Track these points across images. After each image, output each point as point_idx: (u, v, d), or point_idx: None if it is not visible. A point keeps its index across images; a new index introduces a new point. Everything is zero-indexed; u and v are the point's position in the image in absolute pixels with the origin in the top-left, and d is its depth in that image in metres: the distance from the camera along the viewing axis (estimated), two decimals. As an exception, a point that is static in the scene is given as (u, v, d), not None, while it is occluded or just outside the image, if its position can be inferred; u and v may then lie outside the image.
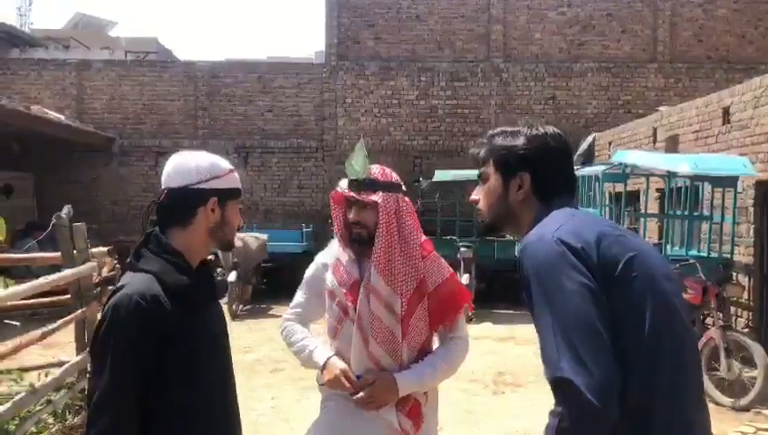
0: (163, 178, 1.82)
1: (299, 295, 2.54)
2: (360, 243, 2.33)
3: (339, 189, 2.36)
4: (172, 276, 1.71)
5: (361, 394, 2.22)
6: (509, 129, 1.72)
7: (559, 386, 1.37)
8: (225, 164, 1.86)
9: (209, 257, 2.01)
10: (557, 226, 1.50)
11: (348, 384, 2.25)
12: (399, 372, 2.26)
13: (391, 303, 2.26)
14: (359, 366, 2.29)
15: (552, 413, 1.41)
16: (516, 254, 1.65)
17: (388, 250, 2.26)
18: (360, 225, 2.31)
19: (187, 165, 1.80)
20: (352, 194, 2.30)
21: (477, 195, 1.74)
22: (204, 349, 1.76)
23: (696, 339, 1.72)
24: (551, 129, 1.68)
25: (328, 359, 2.32)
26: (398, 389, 2.23)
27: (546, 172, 1.63)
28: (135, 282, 1.70)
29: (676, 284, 1.57)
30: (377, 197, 2.27)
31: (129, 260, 1.78)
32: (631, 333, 1.40)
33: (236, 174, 1.89)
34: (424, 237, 2.40)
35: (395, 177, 2.37)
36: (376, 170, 2.33)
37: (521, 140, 1.65)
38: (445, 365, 2.33)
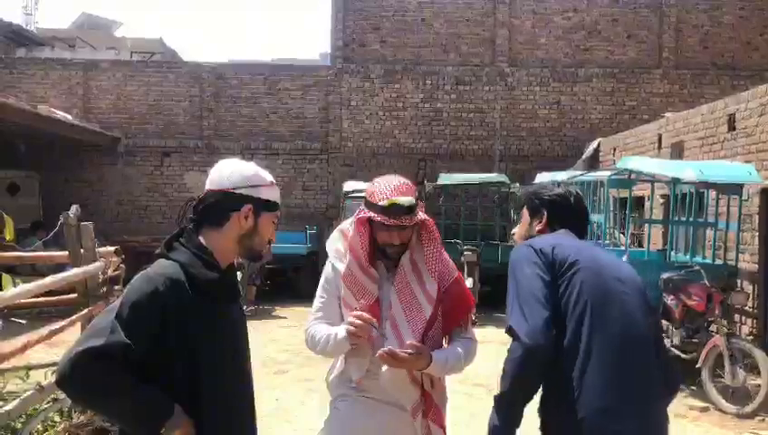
0: (207, 180, 1.89)
1: (318, 300, 2.47)
2: (393, 259, 2.36)
3: (379, 219, 2.27)
4: (198, 269, 1.78)
5: (407, 354, 2.18)
6: (541, 187, 2.51)
7: (508, 332, 2.08)
8: (267, 176, 1.91)
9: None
10: (535, 240, 2.24)
11: (374, 320, 2.22)
12: (432, 350, 2.28)
13: (427, 306, 2.31)
14: (388, 370, 2.27)
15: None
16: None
17: (438, 255, 2.35)
18: (401, 245, 2.33)
19: (229, 170, 1.87)
20: (398, 223, 2.26)
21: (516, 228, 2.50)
22: (224, 343, 1.84)
23: (645, 325, 2.13)
24: (571, 190, 2.43)
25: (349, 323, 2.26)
26: (429, 362, 2.24)
27: (558, 213, 2.34)
28: (159, 266, 1.79)
29: (630, 284, 2.17)
30: (420, 215, 2.31)
31: (158, 250, 1.84)
32: (568, 308, 2.09)
33: (277, 188, 1.93)
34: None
35: (414, 189, 2.37)
36: (410, 191, 2.30)
37: (545, 193, 2.40)
38: (462, 358, 2.36)
